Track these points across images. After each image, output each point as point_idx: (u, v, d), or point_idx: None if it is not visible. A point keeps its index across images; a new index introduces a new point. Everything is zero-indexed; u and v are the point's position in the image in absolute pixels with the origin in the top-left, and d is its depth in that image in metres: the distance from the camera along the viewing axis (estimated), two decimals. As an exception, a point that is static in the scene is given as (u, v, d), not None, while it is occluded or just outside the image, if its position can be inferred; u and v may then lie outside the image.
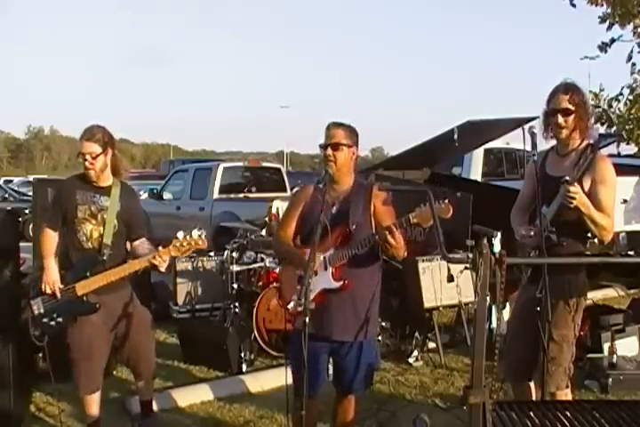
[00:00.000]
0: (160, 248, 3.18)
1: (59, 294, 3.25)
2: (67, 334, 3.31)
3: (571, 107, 2.84)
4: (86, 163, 3.25)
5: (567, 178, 2.68)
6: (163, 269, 3.20)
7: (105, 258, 3.28)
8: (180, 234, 3.14)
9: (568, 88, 2.88)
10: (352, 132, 2.96)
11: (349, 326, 2.90)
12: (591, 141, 2.90)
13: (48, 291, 3.24)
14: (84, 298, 3.26)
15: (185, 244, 3.12)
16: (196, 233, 3.14)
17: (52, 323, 3.26)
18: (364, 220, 2.90)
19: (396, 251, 2.75)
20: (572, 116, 2.84)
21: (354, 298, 2.89)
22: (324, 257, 2.87)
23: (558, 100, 2.86)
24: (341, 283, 2.84)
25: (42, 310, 3.26)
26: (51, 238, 3.34)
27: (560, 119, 2.86)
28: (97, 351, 3.33)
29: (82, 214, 3.29)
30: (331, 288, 2.85)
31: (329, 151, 2.90)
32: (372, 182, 3.05)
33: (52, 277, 3.26)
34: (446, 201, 2.68)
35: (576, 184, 2.69)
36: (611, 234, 2.83)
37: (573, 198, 2.66)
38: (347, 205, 2.91)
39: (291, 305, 2.91)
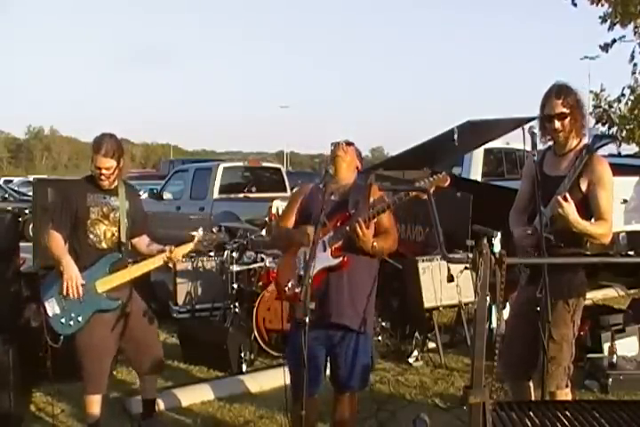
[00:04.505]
0: (190, 244, 3.38)
1: (82, 292, 3.20)
2: (75, 334, 3.26)
3: (565, 110, 2.82)
4: (102, 176, 3.30)
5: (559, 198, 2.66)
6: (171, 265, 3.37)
7: (122, 256, 3.34)
8: (200, 232, 3.39)
9: (560, 91, 2.86)
10: (356, 150, 3.11)
11: (344, 308, 2.91)
12: (586, 142, 2.90)
13: (71, 288, 3.17)
14: (105, 295, 3.27)
15: (207, 238, 3.37)
16: (215, 229, 3.45)
17: (71, 323, 3.22)
18: (363, 207, 2.96)
19: (363, 244, 2.86)
20: (567, 119, 2.84)
21: (350, 280, 2.93)
22: (323, 240, 2.91)
23: (552, 104, 2.85)
24: (340, 259, 2.89)
25: (57, 311, 3.23)
26: (59, 240, 3.30)
27: (557, 124, 2.85)
28: (107, 350, 3.34)
29: (95, 216, 3.32)
30: (330, 265, 2.89)
31: (341, 141, 3.02)
32: (371, 181, 3.10)
33: (74, 274, 3.20)
34: (443, 173, 2.82)
35: (567, 204, 2.65)
36: (609, 237, 2.83)
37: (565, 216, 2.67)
38: (346, 197, 3.01)
39: (288, 287, 2.94)
